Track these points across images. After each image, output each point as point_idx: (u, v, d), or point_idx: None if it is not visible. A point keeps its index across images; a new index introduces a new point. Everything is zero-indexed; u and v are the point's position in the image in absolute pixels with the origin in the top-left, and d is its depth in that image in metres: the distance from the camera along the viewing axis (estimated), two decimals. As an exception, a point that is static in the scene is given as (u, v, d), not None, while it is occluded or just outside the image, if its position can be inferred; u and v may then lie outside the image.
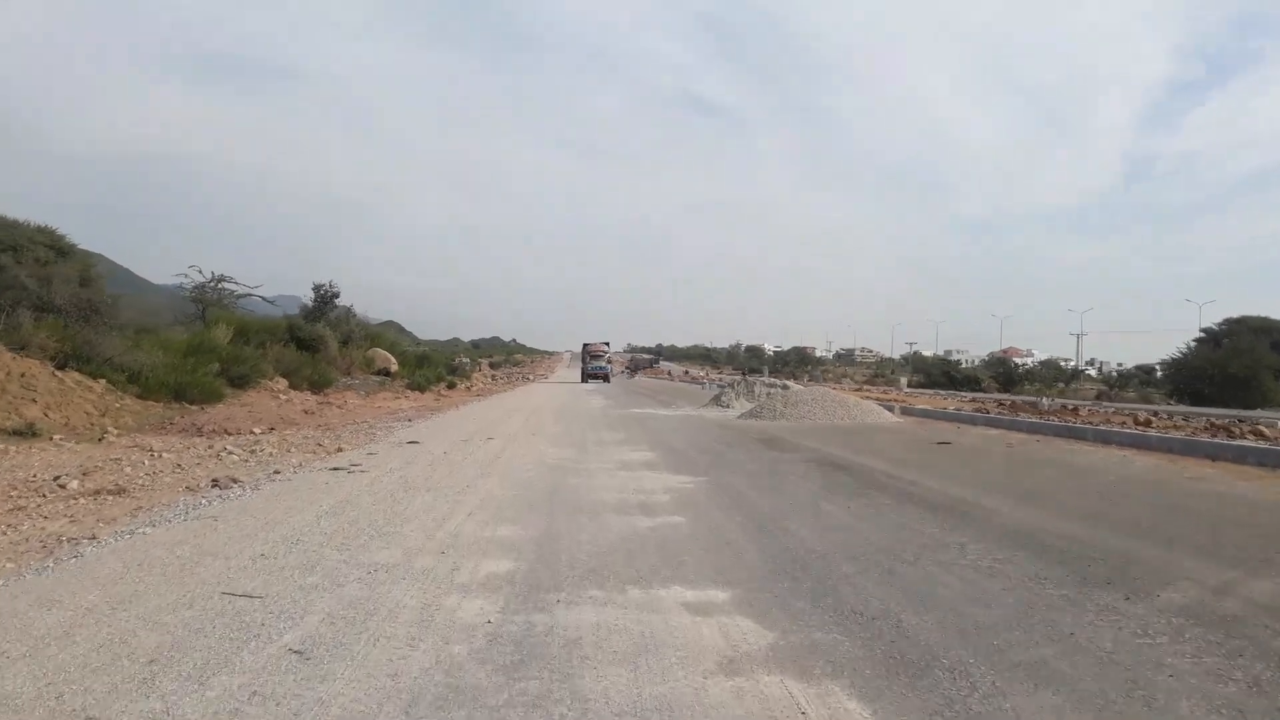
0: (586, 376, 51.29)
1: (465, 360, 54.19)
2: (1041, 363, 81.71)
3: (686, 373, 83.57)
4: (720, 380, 51.56)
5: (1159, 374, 65.58)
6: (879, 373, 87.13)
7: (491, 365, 76.19)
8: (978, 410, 22.85)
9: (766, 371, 62.78)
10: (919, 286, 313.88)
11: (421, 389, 27.88)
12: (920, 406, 23.30)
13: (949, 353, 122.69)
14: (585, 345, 55.20)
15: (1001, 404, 26.62)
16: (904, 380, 45.33)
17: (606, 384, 47.72)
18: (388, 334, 42.15)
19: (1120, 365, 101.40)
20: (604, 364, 52.90)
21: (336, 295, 31.63)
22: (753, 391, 23.45)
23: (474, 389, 35.72)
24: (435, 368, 35.36)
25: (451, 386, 33.01)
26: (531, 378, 64.78)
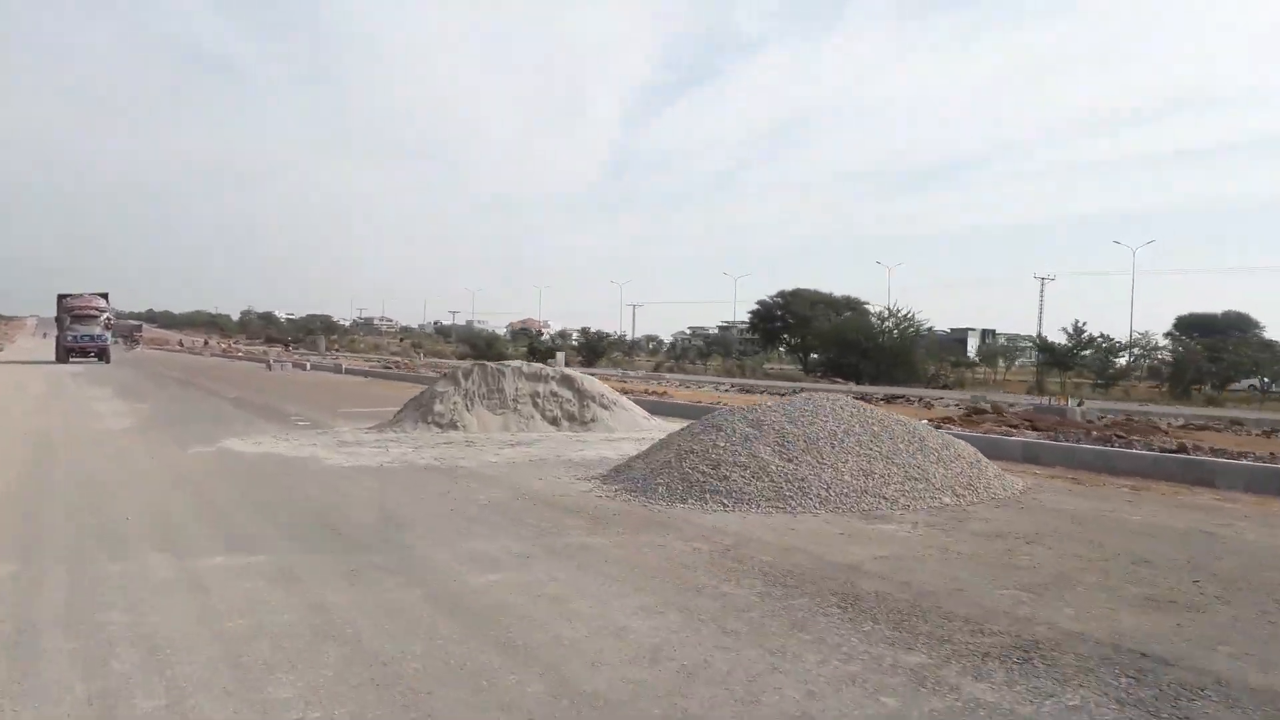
0: (69, 352, 35.07)
1: None
2: (558, 333, 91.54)
3: (206, 343, 67.49)
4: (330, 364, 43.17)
5: (703, 344, 77.44)
6: (416, 343, 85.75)
7: (-89, 337, 50.92)
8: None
9: (322, 342, 52.82)
10: (444, 258, 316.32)
11: None
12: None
13: (470, 322, 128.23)
14: (63, 299, 36.45)
15: (970, 411, 15.22)
16: (561, 357, 37.38)
17: (107, 364, 33.24)
18: None
19: (617, 333, 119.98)
20: (100, 330, 35.88)
21: None
22: (502, 392, 14.36)
23: None
24: None
25: None
26: (-31, 353, 44.44)
